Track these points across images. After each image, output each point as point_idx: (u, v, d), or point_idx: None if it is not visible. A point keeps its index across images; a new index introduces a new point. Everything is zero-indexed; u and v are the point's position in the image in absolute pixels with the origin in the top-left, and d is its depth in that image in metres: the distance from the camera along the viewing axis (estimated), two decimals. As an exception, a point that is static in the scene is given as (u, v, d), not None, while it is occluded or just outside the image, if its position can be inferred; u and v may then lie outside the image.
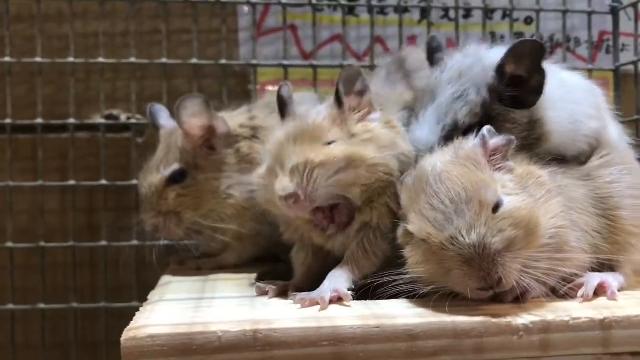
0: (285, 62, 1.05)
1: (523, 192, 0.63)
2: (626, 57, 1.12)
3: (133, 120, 1.05)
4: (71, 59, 1.03)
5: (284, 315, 0.60)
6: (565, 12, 1.11)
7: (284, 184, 0.65)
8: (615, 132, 0.80)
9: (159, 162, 0.86)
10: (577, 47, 1.19)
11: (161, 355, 0.54)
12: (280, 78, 1.10)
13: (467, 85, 0.73)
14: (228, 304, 0.65)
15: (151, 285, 0.98)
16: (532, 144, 0.72)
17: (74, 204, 1.04)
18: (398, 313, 0.60)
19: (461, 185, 0.60)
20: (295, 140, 0.67)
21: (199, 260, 0.87)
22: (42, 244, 1.02)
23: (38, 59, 1.02)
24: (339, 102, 0.71)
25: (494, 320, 0.58)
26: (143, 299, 1.00)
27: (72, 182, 1.02)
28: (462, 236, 0.58)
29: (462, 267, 0.58)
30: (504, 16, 1.17)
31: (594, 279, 0.65)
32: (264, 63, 1.07)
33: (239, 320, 0.57)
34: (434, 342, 0.57)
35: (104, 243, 1.03)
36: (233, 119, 0.88)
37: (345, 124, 0.70)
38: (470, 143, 0.66)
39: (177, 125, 0.86)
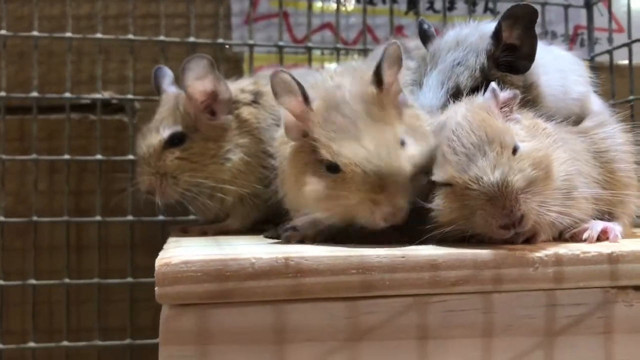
0: (281, 43, 1.07)
1: (533, 140, 0.67)
2: (599, 49, 1.19)
3: (130, 96, 1.05)
4: (69, 34, 1.03)
5: (312, 248, 0.61)
6: (543, 5, 1.17)
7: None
8: (598, 102, 0.86)
9: (158, 124, 0.86)
10: (553, 40, 1.26)
11: (195, 281, 0.55)
12: (273, 63, 1.12)
13: (466, 52, 0.78)
14: (251, 245, 0.66)
15: (143, 266, 0.99)
16: (527, 106, 0.77)
17: (68, 179, 1.03)
18: (420, 247, 0.62)
19: (482, 129, 0.64)
20: None
21: (204, 226, 0.88)
22: (35, 218, 1.01)
23: (35, 33, 1.02)
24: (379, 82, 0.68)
25: (511, 252, 0.61)
26: (136, 277, 1.01)
27: (66, 157, 1.01)
28: (487, 175, 0.61)
29: (486, 206, 0.61)
30: (486, 9, 1.23)
31: (598, 225, 0.69)
32: (261, 44, 1.09)
33: (270, 251, 0.58)
34: (455, 272, 0.59)
35: (98, 218, 1.02)
36: (235, 84, 0.89)
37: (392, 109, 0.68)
38: (481, 97, 0.69)
39: (179, 91, 0.87)
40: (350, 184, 0.63)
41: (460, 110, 0.67)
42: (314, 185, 0.66)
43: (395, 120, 0.67)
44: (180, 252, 0.59)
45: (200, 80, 0.84)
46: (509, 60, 0.77)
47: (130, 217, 1.02)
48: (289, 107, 0.68)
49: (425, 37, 0.86)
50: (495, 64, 0.77)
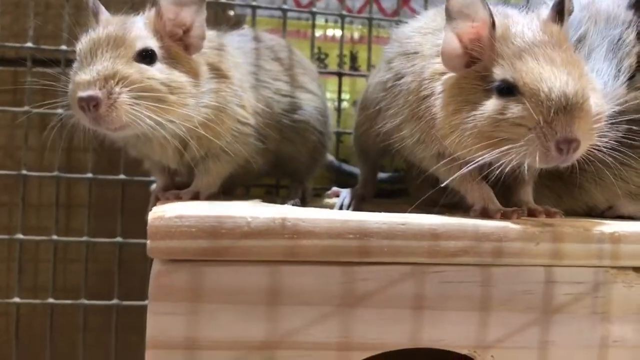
0: (285, 6, 1.05)
1: None
2: None
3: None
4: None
5: (311, 211, 0.60)
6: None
7: None
8: None
9: (127, 32, 0.69)
10: None
11: (189, 237, 0.54)
12: (275, 28, 1.10)
13: (617, 28, 0.74)
14: (247, 204, 0.65)
15: (133, 227, 0.97)
16: None
17: (60, 134, 1.00)
18: (422, 215, 0.60)
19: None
20: None
21: (175, 191, 0.76)
22: (24, 172, 0.98)
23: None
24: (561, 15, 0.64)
25: (513, 226, 0.60)
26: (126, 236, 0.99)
27: (59, 111, 0.98)
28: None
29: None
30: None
31: None
32: (264, 5, 1.06)
33: (267, 210, 0.57)
34: (455, 243, 0.58)
35: (89, 175, 0.99)
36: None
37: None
38: None
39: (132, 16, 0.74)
40: (529, 107, 0.58)
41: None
42: (485, 108, 0.61)
43: (581, 60, 0.64)
44: (175, 207, 0.57)
45: (181, 7, 0.72)
46: None
47: (122, 176, 0.99)
48: (463, 31, 0.63)
49: None
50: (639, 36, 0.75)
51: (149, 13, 0.74)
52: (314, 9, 1.06)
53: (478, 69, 0.63)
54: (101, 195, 1.04)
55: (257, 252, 0.54)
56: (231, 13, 1.12)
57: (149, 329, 0.54)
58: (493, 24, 0.62)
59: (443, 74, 0.66)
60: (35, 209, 1.05)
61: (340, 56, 1.12)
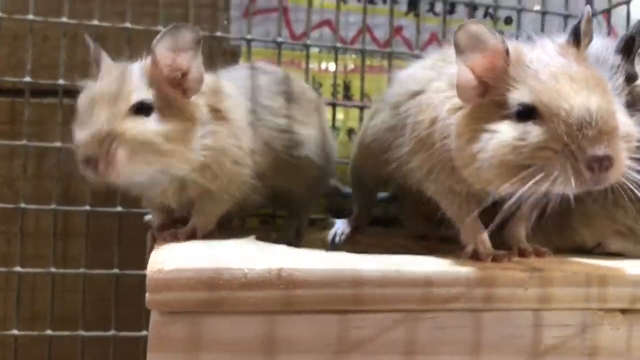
0: (280, 39, 1.06)
1: None
2: (596, 61, 1.19)
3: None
4: (64, 19, 1.01)
5: (304, 258, 0.61)
6: (544, 14, 1.17)
7: None
8: None
9: (123, 86, 0.70)
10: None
11: (188, 289, 0.55)
12: (270, 58, 1.11)
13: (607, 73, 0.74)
14: (243, 251, 0.66)
15: (129, 258, 0.98)
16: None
17: (58, 166, 1.02)
18: (414, 260, 0.62)
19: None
20: None
21: (172, 230, 0.77)
22: (23, 205, 1.00)
23: (30, 17, 1.00)
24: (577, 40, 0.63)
25: (503, 272, 0.62)
26: (123, 268, 1.00)
27: (57, 144, 1.00)
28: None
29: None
30: (486, 14, 1.23)
31: None
32: (259, 39, 1.08)
33: (262, 260, 0.58)
34: (448, 289, 0.60)
35: (86, 207, 1.01)
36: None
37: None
38: None
39: (134, 62, 0.75)
40: (552, 129, 0.56)
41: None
42: (502, 135, 0.58)
43: (605, 82, 0.61)
44: (173, 256, 0.59)
45: (178, 52, 0.73)
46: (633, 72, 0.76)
47: (119, 208, 1.01)
48: (475, 62, 0.62)
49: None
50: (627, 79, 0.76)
51: (146, 61, 0.74)
52: (308, 41, 1.07)
53: (494, 96, 0.61)
54: (98, 225, 1.05)
55: (254, 303, 0.56)
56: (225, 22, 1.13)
57: (148, 381, 0.55)
58: (507, 50, 0.61)
59: (458, 109, 0.64)
60: (33, 238, 1.06)
61: (334, 86, 1.14)
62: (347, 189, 1.06)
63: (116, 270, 1.00)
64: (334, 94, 1.13)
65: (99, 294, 1.03)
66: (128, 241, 1.02)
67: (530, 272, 0.62)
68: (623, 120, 0.59)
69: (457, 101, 0.64)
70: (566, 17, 1.19)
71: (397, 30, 1.20)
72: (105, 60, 0.76)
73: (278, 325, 0.57)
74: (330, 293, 0.57)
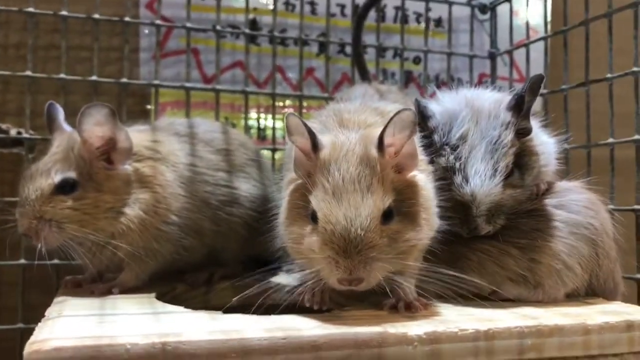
0: (188, 84, 1.06)
1: None
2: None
3: (25, 135, 1.01)
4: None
5: (192, 327, 0.61)
6: (449, 55, 1.21)
7: None
8: None
9: (50, 166, 0.80)
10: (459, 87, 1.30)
11: (67, 369, 0.53)
12: (180, 100, 1.11)
13: (496, 129, 0.78)
14: (132, 319, 0.65)
15: (35, 306, 0.95)
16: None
17: None
18: (303, 325, 0.62)
19: None
20: None
21: (92, 285, 0.83)
22: None
23: None
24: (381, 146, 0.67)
25: (392, 331, 0.63)
26: (28, 321, 0.97)
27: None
28: None
29: None
30: (395, 55, 1.26)
31: None
32: (167, 84, 1.07)
33: (146, 333, 0.57)
34: (336, 352, 0.60)
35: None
36: (136, 137, 0.85)
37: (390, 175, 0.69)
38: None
39: (74, 132, 0.82)
40: (322, 238, 0.65)
41: None
42: (296, 228, 0.68)
43: (388, 195, 0.67)
44: (55, 332, 0.57)
45: (99, 126, 0.80)
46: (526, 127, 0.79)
47: (22, 261, 0.98)
48: (300, 145, 0.69)
49: (424, 116, 0.82)
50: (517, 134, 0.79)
51: (75, 137, 0.81)
52: (218, 86, 1.07)
53: (308, 185, 0.68)
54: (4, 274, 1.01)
55: (138, 379, 0.55)
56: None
57: None
58: (314, 147, 0.68)
59: (291, 182, 0.72)
60: None
61: (245, 127, 1.14)
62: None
63: (20, 325, 0.97)
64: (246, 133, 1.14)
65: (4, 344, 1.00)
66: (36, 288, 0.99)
67: (418, 330, 0.63)
68: (390, 235, 0.66)
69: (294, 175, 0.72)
70: (471, 57, 1.23)
71: (308, 72, 1.21)
72: (59, 128, 0.86)
73: (163, 401, 0.56)
74: (219, 365, 0.57)
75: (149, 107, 1.13)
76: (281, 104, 1.18)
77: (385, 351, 0.61)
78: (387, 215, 0.66)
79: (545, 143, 0.84)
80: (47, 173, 0.79)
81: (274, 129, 1.12)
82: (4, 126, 1.06)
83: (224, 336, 0.58)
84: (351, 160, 0.67)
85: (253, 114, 1.17)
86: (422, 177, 0.71)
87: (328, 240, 0.64)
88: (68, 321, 0.63)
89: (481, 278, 0.79)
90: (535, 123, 0.84)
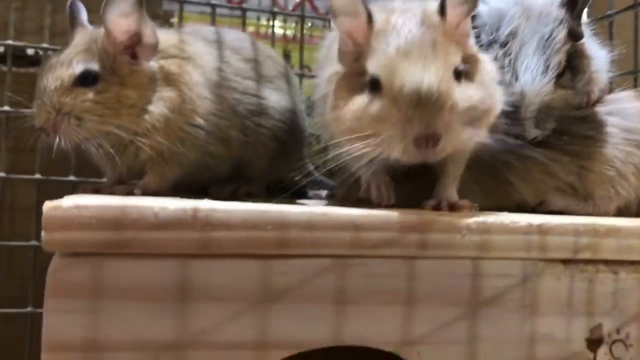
0: (214, 1, 1.01)
1: None
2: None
3: (45, 45, 0.96)
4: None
5: (228, 203, 0.56)
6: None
7: None
8: None
9: (72, 57, 0.75)
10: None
11: (88, 228, 0.49)
12: (204, 23, 1.06)
13: (547, 25, 0.74)
14: (161, 199, 0.60)
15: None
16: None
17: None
18: (345, 211, 0.57)
19: None
20: None
21: (114, 186, 0.78)
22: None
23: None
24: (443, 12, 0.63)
25: (439, 217, 0.58)
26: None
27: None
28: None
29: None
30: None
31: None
32: (193, 0, 1.02)
33: (177, 202, 0.53)
34: (377, 234, 0.55)
35: (2, 174, 0.93)
36: (162, 35, 0.80)
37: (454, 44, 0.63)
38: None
39: (97, 28, 0.78)
40: (389, 99, 0.59)
41: None
42: (353, 104, 0.62)
43: (456, 53, 0.62)
44: (76, 198, 0.53)
45: (124, 18, 0.75)
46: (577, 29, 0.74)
47: (38, 175, 0.94)
48: (348, 28, 0.63)
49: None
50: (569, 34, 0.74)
51: (99, 29, 0.76)
52: (245, 5, 1.03)
53: (359, 64, 0.63)
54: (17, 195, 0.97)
55: (165, 245, 0.50)
56: None
57: (45, 329, 0.49)
58: (369, 17, 0.62)
59: (335, 74, 0.66)
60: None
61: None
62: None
63: (34, 242, 0.93)
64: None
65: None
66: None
67: (468, 219, 0.58)
68: (463, 93, 0.60)
69: (338, 67, 0.66)
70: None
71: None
72: (81, 23, 0.80)
73: (192, 270, 0.51)
74: (252, 236, 0.52)
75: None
76: (308, 32, 1.13)
77: (430, 237, 0.57)
78: (457, 75, 0.61)
79: (597, 50, 0.80)
80: (68, 63, 0.75)
81: (301, 52, 1.07)
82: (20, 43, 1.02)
83: (262, 208, 0.53)
84: (412, 24, 0.61)
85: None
86: (484, 55, 0.66)
87: (398, 98, 0.58)
88: (90, 197, 0.59)
89: (526, 187, 0.74)
90: (586, 30, 0.79)
